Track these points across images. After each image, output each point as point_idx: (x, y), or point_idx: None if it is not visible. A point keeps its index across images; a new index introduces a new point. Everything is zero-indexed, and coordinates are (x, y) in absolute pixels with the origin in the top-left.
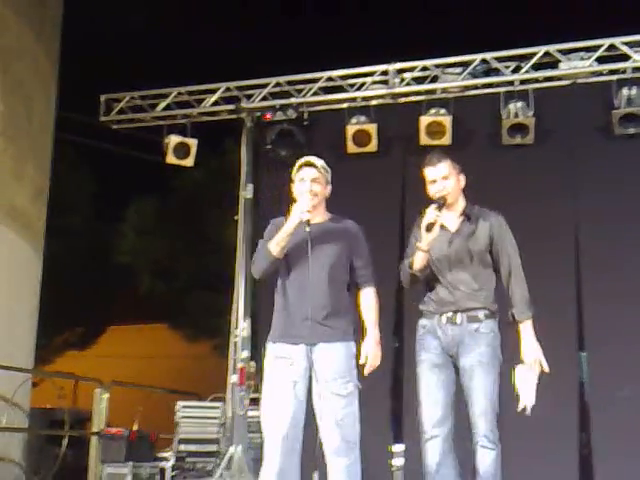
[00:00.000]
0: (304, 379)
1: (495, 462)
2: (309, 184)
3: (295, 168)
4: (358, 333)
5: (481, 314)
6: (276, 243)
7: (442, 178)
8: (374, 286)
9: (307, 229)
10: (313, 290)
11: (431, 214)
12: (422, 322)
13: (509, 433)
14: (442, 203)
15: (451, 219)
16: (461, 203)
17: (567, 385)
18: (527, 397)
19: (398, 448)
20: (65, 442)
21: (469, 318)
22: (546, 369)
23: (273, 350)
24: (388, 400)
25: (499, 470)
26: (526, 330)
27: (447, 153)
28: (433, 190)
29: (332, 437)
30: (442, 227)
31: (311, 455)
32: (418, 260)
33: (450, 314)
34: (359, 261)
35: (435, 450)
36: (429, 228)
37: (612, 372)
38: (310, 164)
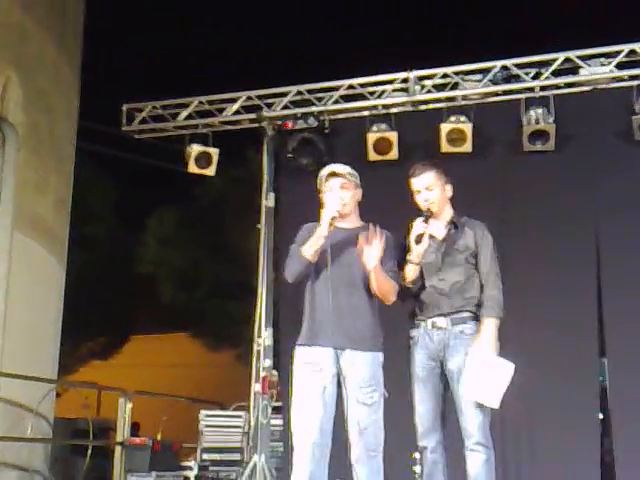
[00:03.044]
0: (333, 385)
1: (486, 466)
2: (338, 192)
3: (322, 179)
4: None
5: (465, 316)
6: (309, 246)
7: (425, 189)
8: (396, 285)
9: (331, 228)
10: (341, 295)
11: (419, 226)
12: (411, 333)
13: (530, 438)
14: (429, 214)
15: (438, 228)
16: (448, 212)
17: (588, 391)
18: (481, 394)
19: (418, 455)
20: (89, 452)
21: (454, 321)
22: (501, 372)
23: (301, 355)
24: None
25: (492, 475)
26: (484, 326)
27: (435, 164)
28: (418, 200)
29: (355, 445)
30: (430, 236)
31: (334, 462)
32: (410, 272)
33: (435, 319)
34: (387, 266)
35: (424, 461)
36: (418, 240)
37: (635, 378)
38: (335, 174)
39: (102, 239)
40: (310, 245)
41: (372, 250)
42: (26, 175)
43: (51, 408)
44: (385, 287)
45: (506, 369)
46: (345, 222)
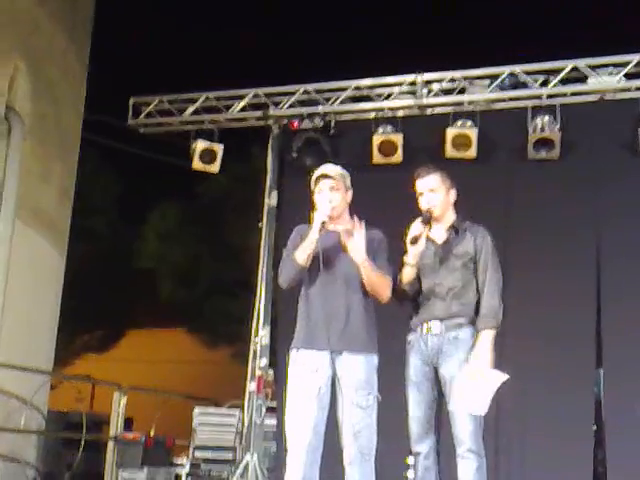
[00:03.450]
0: (327, 387)
1: (477, 474)
2: (327, 194)
3: (313, 180)
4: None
5: (461, 321)
6: (301, 251)
7: (429, 191)
8: (389, 280)
9: (322, 232)
10: (335, 298)
11: (416, 227)
12: (408, 337)
13: (523, 447)
14: (429, 216)
15: (439, 232)
16: (450, 217)
17: (583, 401)
18: (467, 402)
19: (412, 460)
20: (82, 445)
21: (448, 327)
22: (490, 380)
23: (296, 357)
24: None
25: None
26: (482, 338)
27: (440, 167)
28: (421, 202)
29: (348, 448)
30: (429, 239)
31: (325, 464)
32: (406, 274)
33: (430, 323)
34: (378, 263)
35: (417, 466)
36: (414, 241)
37: (629, 390)
38: (326, 176)
39: (103, 232)
40: (302, 250)
41: (355, 241)
42: (31, 165)
43: (45, 400)
44: (377, 282)
45: (496, 378)
46: (336, 224)
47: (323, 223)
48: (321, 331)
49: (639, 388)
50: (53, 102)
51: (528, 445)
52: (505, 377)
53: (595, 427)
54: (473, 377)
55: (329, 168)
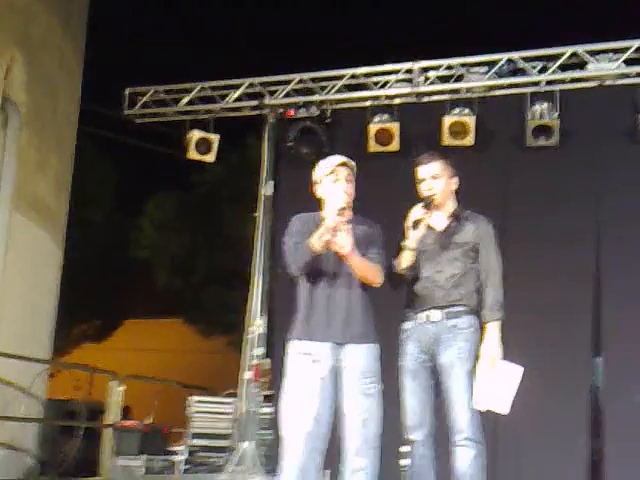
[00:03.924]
0: (330, 377)
1: (475, 462)
2: (345, 185)
3: (326, 167)
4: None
5: (460, 309)
6: (318, 237)
7: (431, 177)
8: (378, 267)
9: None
10: (335, 289)
11: (417, 212)
12: (404, 326)
13: (519, 437)
14: (429, 202)
15: (439, 219)
16: (451, 205)
17: (580, 390)
18: (489, 401)
19: (405, 449)
20: (80, 434)
21: (447, 314)
22: (510, 377)
23: (297, 347)
24: None
25: (482, 472)
26: (490, 330)
27: (442, 155)
28: (422, 189)
29: (355, 436)
30: (430, 227)
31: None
32: (405, 259)
33: (429, 312)
34: (371, 251)
35: (413, 454)
36: (414, 225)
37: (627, 378)
38: (345, 164)
39: (100, 222)
40: (319, 236)
41: (340, 236)
42: (27, 155)
43: (44, 389)
44: (367, 270)
45: (515, 373)
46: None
47: (342, 210)
48: (322, 323)
49: (637, 376)
50: (49, 92)
51: (523, 435)
52: (521, 370)
53: (592, 416)
54: (489, 373)
55: (345, 158)
